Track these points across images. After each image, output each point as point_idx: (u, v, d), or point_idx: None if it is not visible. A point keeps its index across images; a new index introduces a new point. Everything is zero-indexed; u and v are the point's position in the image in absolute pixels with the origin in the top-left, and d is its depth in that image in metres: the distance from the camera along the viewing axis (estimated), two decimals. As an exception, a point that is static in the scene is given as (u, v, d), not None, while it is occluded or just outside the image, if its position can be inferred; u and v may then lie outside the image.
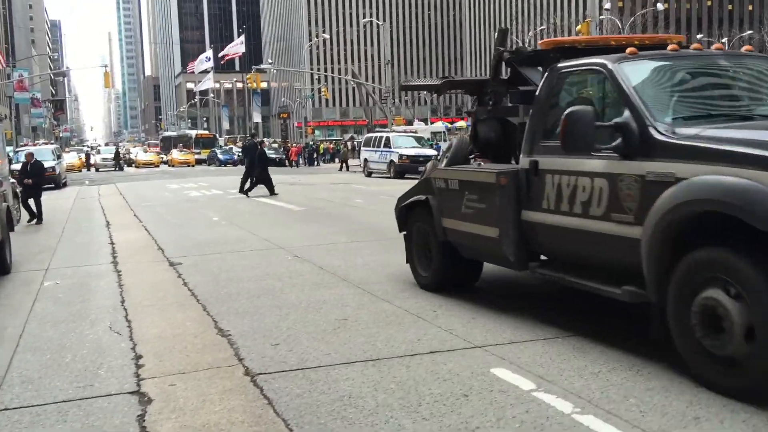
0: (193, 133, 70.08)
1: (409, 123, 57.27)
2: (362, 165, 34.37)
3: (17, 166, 30.33)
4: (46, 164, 30.81)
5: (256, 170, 21.54)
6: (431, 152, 31.15)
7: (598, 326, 5.57)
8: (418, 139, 32.79)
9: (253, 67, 70.18)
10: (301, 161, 51.67)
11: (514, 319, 5.95)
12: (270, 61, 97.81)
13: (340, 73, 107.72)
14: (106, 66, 50.65)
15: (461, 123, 56.61)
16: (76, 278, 8.84)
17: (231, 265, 9.16)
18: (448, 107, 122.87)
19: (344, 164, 40.15)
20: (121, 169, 48.11)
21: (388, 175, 31.05)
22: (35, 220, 16.10)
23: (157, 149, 74.60)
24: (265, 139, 76.92)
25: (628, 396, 4.14)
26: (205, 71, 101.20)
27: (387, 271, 8.30)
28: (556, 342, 5.26)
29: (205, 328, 6.07)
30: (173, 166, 55.80)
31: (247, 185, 21.48)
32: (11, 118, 71.18)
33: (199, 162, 59.80)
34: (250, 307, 6.78)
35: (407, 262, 7.56)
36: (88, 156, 51.58)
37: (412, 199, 7.40)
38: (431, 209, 6.88)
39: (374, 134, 34.65)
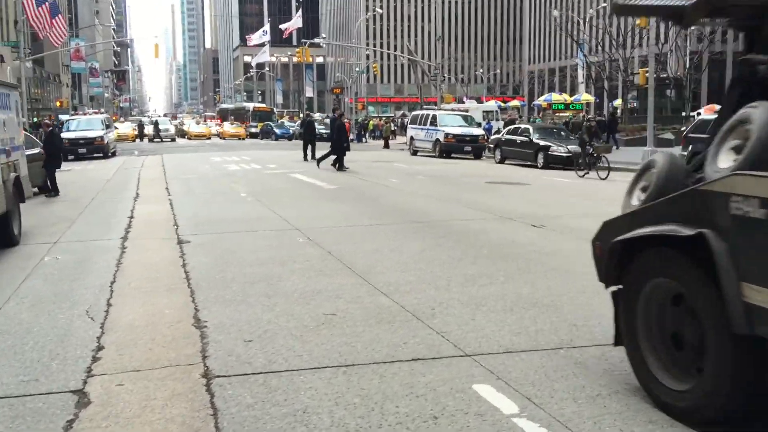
0: (250, 105, 70.16)
1: (459, 101, 56.09)
2: (408, 143, 33.71)
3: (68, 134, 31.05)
4: (94, 134, 31.35)
5: (334, 143, 22.04)
6: (479, 132, 30.33)
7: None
8: (465, 118, 31.85)
9: (303, 41, 69.85)
10: (350, 137, 51.26)
11: (520, 322, 5.35)
12: (324, 35, 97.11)
13: (395, 50, 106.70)
14: (156, 36, 50.92)
15: (515, 102, 55.32)
16: (79, 254, 8.57)
17: (239, 246, 8.76)
18: (505, 85, 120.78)
19: (386, 141, 39.56)
20: (142, 139, 48.58)
21: (434, 154, 30.38)
22: (50, 193, 15.61)
23: (215, 121, 75.08)
24: (318, 114, 76.90)
25: (625, 431, 3.52)
26: (262, 44, 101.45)
27: (397, 259, 7.76)
28: (557, 354, 4.65)
29: (182, 318, 5.65)
30: (224, 138, 56.07)
31: (322, 155, 22.18)
32: (70, 87, 72.78)
33: (254, 135, 59.78)
34: (240, 294, 6.33)
35: (616, 344, 4.22)
36: (141, 126, 52.10)
37: (647, 232, 3.76)
38: (711, 259, 3.34)
39: (421, 112, 33.91)
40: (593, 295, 6.12)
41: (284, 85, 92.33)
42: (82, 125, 32.11)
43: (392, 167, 23.59)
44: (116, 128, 52.24)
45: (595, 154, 20.03)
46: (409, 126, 34.24)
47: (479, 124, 33.87)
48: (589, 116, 23.03)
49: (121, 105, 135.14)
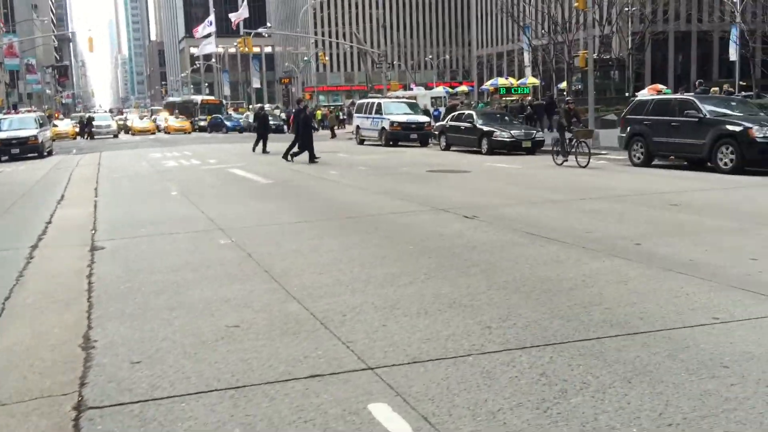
0: (198, 98, 68.75)
1: (407, 88, 55.82)
2: (354, 132, 33.33)
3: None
4: (27, 133, 30.23)
5: (300, 137, 21.53)
6: (424, 119, 30.11)
7: (531, 335, 4.66)
8: (411, 106, 31.62)
9: (243, 31, 68.82)
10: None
11: (433, 326, 5.05)
12: (269, 24, 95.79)
13: (344, 38, 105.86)
14: (90, 30, 49.32)
15: (463, 88, 55.30)
16: (-22, 266, 7.99)
17: (155, 251, 8.29)
18: (455, 71, 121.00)
19: (333, 131, 39.14)
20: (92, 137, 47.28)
21: (380, 143, 30.10)
22: None
23: (163, 115, 73.35)
24: (267, 105, 75.81)
25: (522, 452, 3.24)
26: (208, 35, 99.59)
27: (315, 260, 7.40)
28: (464, 362, 4.36)
29: (71, 337, 5.20)
30: (169, 133, 54.85)
31: (295, 149, 21.49)
32: (8, 84, 70.28)
33: (203, 129, 58.70)
34: (141, 307, 5.90)
35: None
36: (82, 124, 50.54)
37: None
38: None
39: (366, 100, 33.58)
40: (513, 292, 5.88)
41: (231, 76, 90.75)
42: (15, 124, 30.89)
43: (335, 158, 23.21)
44: (55, 126, 50.72)
45: (574, 140, 17.85)
46: (354, 115, 33.87)
47: (425, 111, 33.65)
48: (568, 98, 22.61)
49: (64, 101, 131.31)
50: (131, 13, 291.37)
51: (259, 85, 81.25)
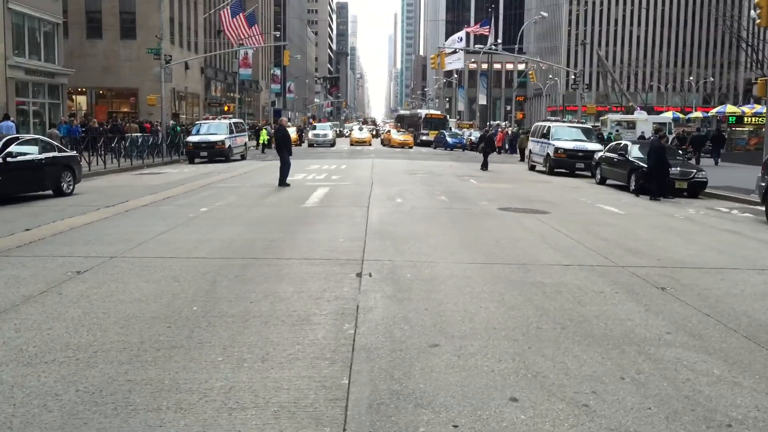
0: (423, 112, 69.65)
1: (628, 111, 51.12)
2: (527, 157, 31.18)
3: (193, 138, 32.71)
4: (215, 138, 32.72)
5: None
6: (595, 146, 26.99)
7: None
8: (587, 131, 28.64)
9: (447, 47, 68.13)
10: (507, 147, 48.55)
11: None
12: (497, 42, 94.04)
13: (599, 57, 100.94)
14: (285, 45, 52.05)
15: (697, 114, 49.33)
16: None
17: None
18: (724, 94, 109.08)
19: (522, 153, 37.00)
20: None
21: (545, 169, 27.76)
22: None
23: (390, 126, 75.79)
24: (499, 122, 74.67)
25: None
26: (455, 51, 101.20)
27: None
28: None
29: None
30: (392, 146, 54.60)
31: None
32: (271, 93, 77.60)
33: (426, 143, 58.33)
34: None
35: None
36: (300, 132, 53.84)
37: None
38: None
39: (540, 123, 31.16)
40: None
41: (465, 92, 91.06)
42: (207, 129, 33.59)
43: (459, 183, 21.62)
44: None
45: None
46: (530, 139, 31.68)
47: (603, 138, 30.34)
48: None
49: (326, 110, 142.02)
50: (406, 29, 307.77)
51: (484, 102, 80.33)
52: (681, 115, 50.76)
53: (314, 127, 55.44)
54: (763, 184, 13.91)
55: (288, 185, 19.15)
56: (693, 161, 26.10)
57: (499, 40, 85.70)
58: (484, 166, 28.33)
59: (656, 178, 18.25)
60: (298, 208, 14.11)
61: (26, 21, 32.54)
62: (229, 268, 7.92)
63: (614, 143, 23.48)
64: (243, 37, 55.82)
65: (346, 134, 75.29)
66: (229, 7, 54.45)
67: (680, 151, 24.06)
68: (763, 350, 5.47)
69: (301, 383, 4.47)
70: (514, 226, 12.03)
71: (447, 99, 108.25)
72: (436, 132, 59.74)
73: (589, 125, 32.40)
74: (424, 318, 6.03)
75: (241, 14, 56.05)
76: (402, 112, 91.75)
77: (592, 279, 7.94)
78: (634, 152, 21.04)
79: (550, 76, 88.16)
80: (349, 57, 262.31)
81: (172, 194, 17.17)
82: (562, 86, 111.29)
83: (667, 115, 48.49)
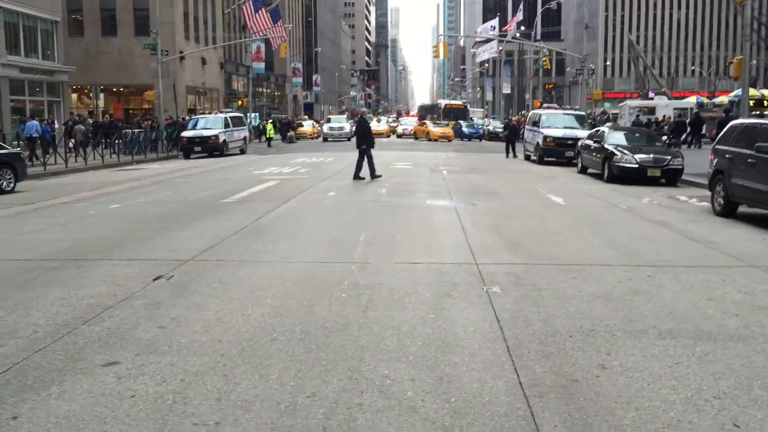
0: (443, 102, 68.52)
1: (644, 96, 49.12)
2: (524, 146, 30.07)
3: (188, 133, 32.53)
4: (209, 133, 32.51)
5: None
6: (584, 134, 25.74)
7: None
8: (580, 118, 27.36)
9: (479, 36, 66.46)
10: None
11: None
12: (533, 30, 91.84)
13: (638, 43, 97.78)
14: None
15: (722, 98, 47.07)
16: None
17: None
18: (755, 78, 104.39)
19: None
20: (291, 141, 48.45)
21: (536, 159, 26.67)
22: None
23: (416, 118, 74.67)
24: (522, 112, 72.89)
25: None
26: (488, 40, 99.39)
27: None
28: None
29: None
30: (432, 139, 50.56)
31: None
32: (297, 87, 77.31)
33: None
34: None
35: None
36: (286, 127, 52.96)
37: None
38: None
39: (534, 111, 29.97)
40: None
41: (493, 81, 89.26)
42: (202, 124, 33.36)
43: (427, 175, 20.76)
44: (300, 125, 54.31)
45: None
46: (525, 128, 30.53)
47: (592, 124, 28.99)
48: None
49: (360, 102, 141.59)
50: (448, 20, 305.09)
51: (508, 91, 78.50)
52: (706, 100, 48.50)
53: (329, 120, 54.76)
54: (710, 170, 12.73)
55: (378, 176, 18.49)
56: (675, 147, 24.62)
57: (522, 27, 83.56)
58: (508, 154, 30.43)
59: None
60: (212, 204, 13.53)
61: (21, 19, 32.78)
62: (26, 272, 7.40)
63: (594, 130, 22.28)
64: (266, 31, 55.49)
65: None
66: (251, 1, 54.18)
67: (664, 138, 22.72)
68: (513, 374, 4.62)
69: None
70: (415, 222, 11.19)
71: (478, 89, 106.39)
72: (454, 122, 58.30)
73: (582, 112, 30.93)
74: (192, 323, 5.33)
75: (263, 9, 55.72)
76: (424, 103, 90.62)
77: (417, 278, 7.12)
78: (611, 139, 19.89)
79: (583, 64, 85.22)
80: (389, 49, 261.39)
81: (112, 190, 16.82)
82: (600, 73, 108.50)
83: (690, 100, 46.45)
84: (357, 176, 18.42)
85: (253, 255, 8.24)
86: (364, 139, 18.82)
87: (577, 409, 3.96)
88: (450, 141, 50.63)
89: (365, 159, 18.65)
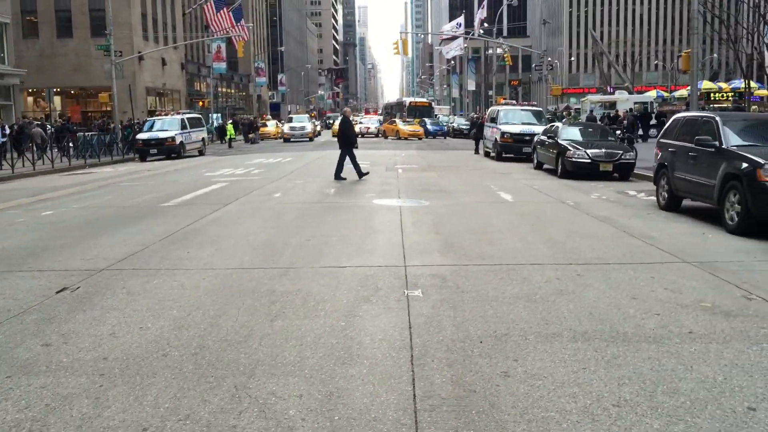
0: (407, 100, 68.16)
1: (604, 91, 49.41)
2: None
3: (143, 135, 31.94)
4: (165, 134, 31.89)
5: None
6: (541, 129, 25.72)
7: None
8: (537, 114, 27.32)
9: (445, 33, 66.33)
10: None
11: None
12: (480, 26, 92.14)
13: (601, 39, 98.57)
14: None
15: (682, 92, 47.55)
16: None
17: None
18: (731, 70, 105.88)
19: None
20: (253, 142, 47.75)
21: (494, 155, 26.57)
22: None
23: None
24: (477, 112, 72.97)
25: None
26: (454, 38, 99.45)
27: None
28: None
29: None
30: (399, 137, 50.19)
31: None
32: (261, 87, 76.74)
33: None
34: None
35: None
36: (250, 126, 52.27)
37: None
38: None
39: (494, 108, 29.91)
40: None
41: (459, 78, 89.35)
42: (159, 125, 32.74)
43: (381, 174, 20.51)
44: (264, 125, 53.70)
45: None
46: (484, 124, 30.43)
47: (547, 119, 29.01)
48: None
49: (328, 101, 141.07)
50: (415, 18, 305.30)
51: (474, 88, 78.58)
52: (666, 94, 48.95)
53: (290, 119, 54.10)
54: (655, 164, 12.65)
55: (366, 173, 18.56)
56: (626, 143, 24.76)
57: (485, 24, 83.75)
58: (477, 151, 30.54)
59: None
60: (151, 208, 13.12)
61: (-34, 21, 31.93)
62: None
63: (548, 125, 22.22)
64: (227, 30, 54.68)
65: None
66: (212, 1, 53.38)
67: (618, 132, 22.75)
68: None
69: None
70: (354, 223, 10.92)
71: (446, 86, 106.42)
72: (419, 120, 58.03)
73: (539, 108, 30.96)
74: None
75: (225, 8, 54.92)
76: (389, 101, 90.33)
77: (339, 283, 6.85)
78: (564, 134, 19.83)
79: (542, 59, 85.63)
80: (357, 48, 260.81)
81: (51, 196, 16.28)
82: (565, 69, 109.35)
83: (650, 94, 46.84)
84: (338, 176, 18.09)
85: (173, 263, 7.90)
86: (347, 138, 18.58)
87: (466, 424, 3.73)
88: (420, 138, 50.35)
89: (347, 158, 18.38)
